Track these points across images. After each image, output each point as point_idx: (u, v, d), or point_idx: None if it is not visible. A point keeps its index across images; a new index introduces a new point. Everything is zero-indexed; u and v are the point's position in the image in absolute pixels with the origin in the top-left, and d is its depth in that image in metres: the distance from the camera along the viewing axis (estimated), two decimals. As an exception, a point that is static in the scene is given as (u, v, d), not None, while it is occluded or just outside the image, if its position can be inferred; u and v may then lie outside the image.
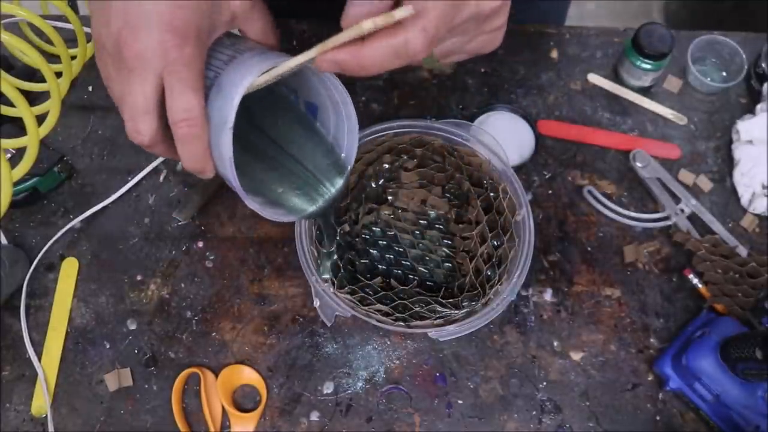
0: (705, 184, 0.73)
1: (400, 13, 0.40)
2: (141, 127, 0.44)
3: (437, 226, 0.70)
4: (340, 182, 0.54)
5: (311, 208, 0.54)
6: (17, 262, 0.68)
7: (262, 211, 0.48)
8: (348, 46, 0.42)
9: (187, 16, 0.43)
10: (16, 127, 0.67)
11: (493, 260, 0.65)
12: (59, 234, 0.70)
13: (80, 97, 0.77)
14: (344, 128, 0.52)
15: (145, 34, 0.42)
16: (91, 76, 0.78)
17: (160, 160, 0.74)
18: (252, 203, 0.47)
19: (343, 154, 0.53)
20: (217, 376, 0.65)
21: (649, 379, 0.66)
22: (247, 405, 0.65)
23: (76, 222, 0.71)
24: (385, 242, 0.69)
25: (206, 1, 0.44)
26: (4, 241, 0.70)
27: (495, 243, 0.65)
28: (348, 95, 0.49)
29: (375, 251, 0.69)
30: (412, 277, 0.68)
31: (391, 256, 0.69)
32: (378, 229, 0.70)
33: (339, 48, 0.42)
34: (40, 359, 0.65)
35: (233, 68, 0.45)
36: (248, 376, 0.65)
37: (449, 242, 0.69)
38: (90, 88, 0.78)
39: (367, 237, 0.69)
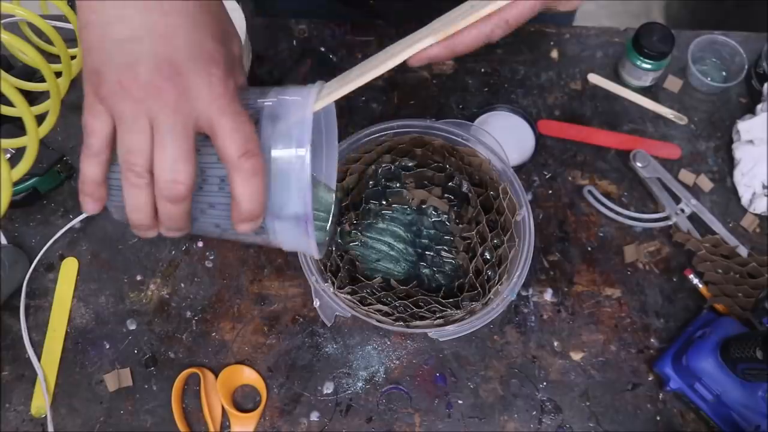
0: (705, 184, 0.73)
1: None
2: (182, 176, 0.39)
3: (437, 226, 0.70)
4: (334, 207, 0.53)
5: (327, 237, 0.54)
6: (17, 262, 0.68)
7: (314, 251, 0.45)
8: (442, 41, 0.43)
9: (222, 48, 0.41)
10: (16, 126, 0.67)
11: (493, 260, 0.65)
12: (59, 234, 0.70)
13: (80, 97, 0.76)
14: (322, 154, 0.51)
15: (190, 69, 0.39)
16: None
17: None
18: (316, 251, 0.45)
19: (323, 179, 0.53)
20: (217, 376, 0.65)
21: (650, 379, 0.66)
22: (247, 405, 0.65)
23: (75, 222, 0.71)
24: (385, 243, 0.69)
25: (227, 33, 0.43)
26: (4, 241, 0.70)
27: (495, 243, 0.65)
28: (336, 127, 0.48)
29: (375, 251, 0.69)
30: (412, 277, 0.68)
31: (391, 257, 0.69)
32: (378, 229, 0.70)
33: (433, 44, 0.43)
34: (39, 359, 0.65)
35: (279, 95, 0.42)
36: (248, 376, 0.65)
37: (449, 242, 0.69)
38: (90, 88, 0.78)
39: (367, 237, 0.69)
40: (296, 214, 0.42)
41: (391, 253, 0.69)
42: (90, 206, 0.42)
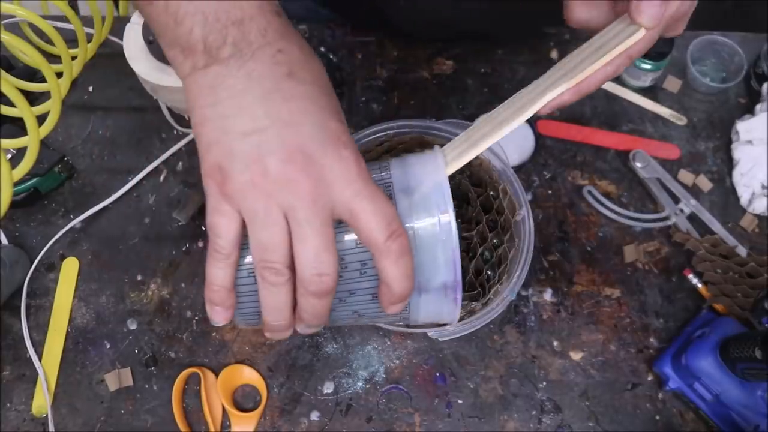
0: (704, 184, 0.73)
1: (634, 38, 0.41)
2: (328, 268, 0.37)
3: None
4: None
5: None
6: (18, 262, 0.68)
7: (456, 317, 0.44)
8: (571, 88, 0.42)
9: (343, 126, 0.38)
10: (17, 127, 0.67)
11: (493, 260, 0.65)
12: (60, 234, 0.70)
13: (81, 97, 0.78)
14: None
15: (321, 155, 0.36)
16: (92, 76, 0.78)
17: (160, 159, 0.74)
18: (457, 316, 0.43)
19: None
20: (217, 376, 0.65)
21: (649, 378, 0.66)
22: (248, 405, 0.65)
23: (76, 222, 0.71)
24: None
25: (341, 110, 0.40)
26: (5, 241, 0.70)
27: (495, 243, 0.65)
28: None
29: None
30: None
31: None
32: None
33: (562, 92, 0.42)
34: (40, 359, 0.65)
35: (404, 165, 0.40)
36: (248, 376, 0.65)
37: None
38: (90, 89, 0.78)
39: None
40: (444, 283, 0.41)
41: None
42: (221, 316, 0.40)
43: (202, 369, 0.65)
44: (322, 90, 0.39)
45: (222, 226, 0.37)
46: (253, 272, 0.38)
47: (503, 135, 0.42)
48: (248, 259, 0.39)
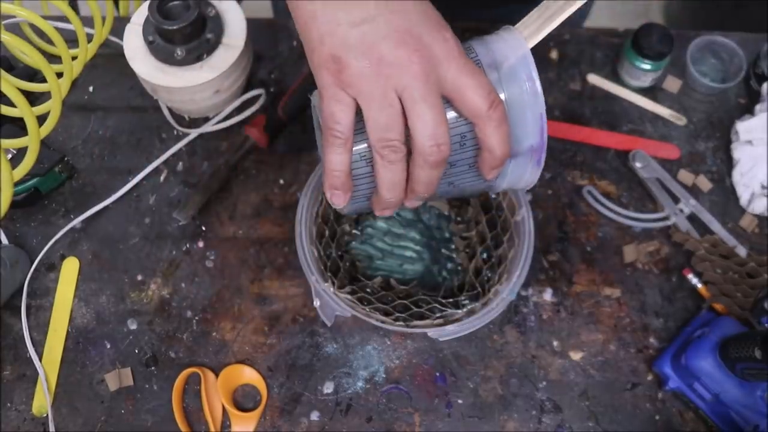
0: (704, 184, 0.73)
1: None
2: (444, 138, 0.40)
3: (437, 226, 0.70)
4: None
5: None
6: (18, 262, 0.68)
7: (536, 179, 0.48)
8: None
9: (439, 12, 0.42)
10: (17, 127, 0.67)
11: (493, 260, 0.65)
12: (60, 234, 0.70)
13: (81, 98, 0.78)
14: None
15: (429, 37, 0.40)
16: (92, 76, 0.78)
17: (160, 159, 0.74)
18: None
19: None
20: (217, 375, 0.65)
21: (649, 378, 0.66)
22: (248, 405, 0.65)
23: (76, 222, 0.71)
24: (385, 242, 0.69)
25: None
26: (5, 241, 0.70)
27: (495, 243, 0.65)
28: None
29: (375, 251, 0.69)
30: (411, 276, 0.68)
31: (391, 256, 0.69)
32: (378, 229, 0.70)
33: None
34: (40, 359, 0.65)
35: (488, 45, 0.44)
36: (248, 375, 0.65)
37: (449, 242, 0.69)
38: (91, 89, 0.78)
39: (368, 237, 0.69)
40: (531, 146, 0.44)
41: (404, 253, 0.69)
42: (341, 199, 0.43)
43: (202, 369, 0.65)
44: None
45: (340, 113, 0.40)
46: (366, 156, 0.42)
47: (576, 8, 0.44)
48: (360, 146, 0.42)
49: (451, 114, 0.42)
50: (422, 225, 0.70)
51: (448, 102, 0.41)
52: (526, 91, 0.43)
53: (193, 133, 0.74)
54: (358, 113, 0.40)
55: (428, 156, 0.40)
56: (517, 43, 0.43)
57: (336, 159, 0.41)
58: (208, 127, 0.75)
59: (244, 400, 0.65)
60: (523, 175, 0.46)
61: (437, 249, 0.69)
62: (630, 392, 0.65)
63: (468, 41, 0.45)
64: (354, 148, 0.42)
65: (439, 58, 0.40)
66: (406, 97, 0.39)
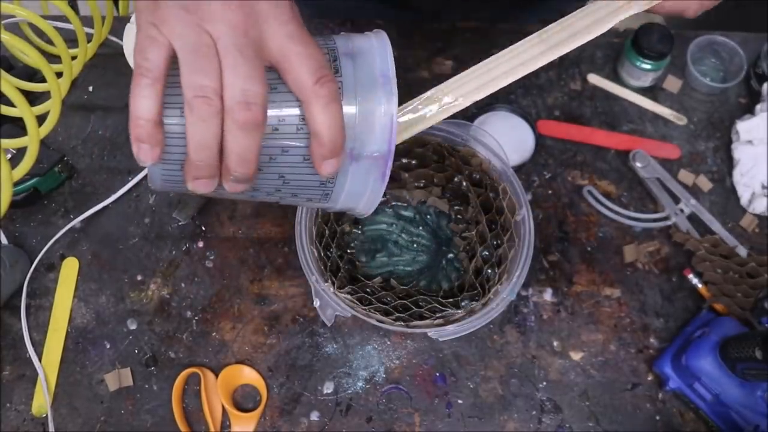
0: (705, 184, 0.73)
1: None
2: (256, 97, 0.35)
3: (438, 225, 0.70)
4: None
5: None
6: (17, 262, 0.68)
7: (379, 197, 0.44)
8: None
9: None
10: (17, 127, 0.67)
11: (493, 260, 0.65)
12: (59, 234, 0.70)
13: (80, 97, 0.78)
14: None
15: None
16: (92, 76, 0.78)
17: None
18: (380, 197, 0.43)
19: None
20: (217, 376, 0.65)
21: (649, 378, 0.66)
22: (247, 405, 0.65)
23: (76, 222, 0.71)
24: (385, 242, 0.69)
25: None
26: (5, 241, 0.70)
27: (495, 243, 0.65)
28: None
29: (375, 251, 0.69)
30: (411, 276, 0.68)
31: (391, 256, 0.69)
32: (378, 228, 0.70)
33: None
34: (40, 359, 0.65)
35: (347, 36, 0.41)
36: (248, 376, 0.65)
37: (450, 242, 0.69)
38: (90, 88, 0.78)
39: (368, 237, 0.69)
40: (377, 152, 0.40)
41: (404, 252, 0.69)
42: (147, 154, 0.37)
43: (202, 369, 0.65)
44: None
45: (151, 49, 0.36)
46: (181, 107, 0.36)
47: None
48: (173, 98, 0.37)
49: (285, 90, 0.38)
50: (424, 223, 0.70)
51: (277, 73, 0.38)
52: (380, 89, 0.39)
53: (193, 133, 0.74)
54: (175, 63, 0.36)
55: (236, 114, 0.35)
56: (381, 41, 0.41)
57: (142, 104, 0.35)
58: (207, 127, 0.74)
59: (243, 400, 0.65)
60: (364, 187, 0.42)
61: (438, 248, 0.69)
62: (630, 392, 0.65)
63: (332, 36, 0.42)
64: (166, 98, 0.36)
65: (265, 17, 0.36)
66: (222, 47, 0.35)
